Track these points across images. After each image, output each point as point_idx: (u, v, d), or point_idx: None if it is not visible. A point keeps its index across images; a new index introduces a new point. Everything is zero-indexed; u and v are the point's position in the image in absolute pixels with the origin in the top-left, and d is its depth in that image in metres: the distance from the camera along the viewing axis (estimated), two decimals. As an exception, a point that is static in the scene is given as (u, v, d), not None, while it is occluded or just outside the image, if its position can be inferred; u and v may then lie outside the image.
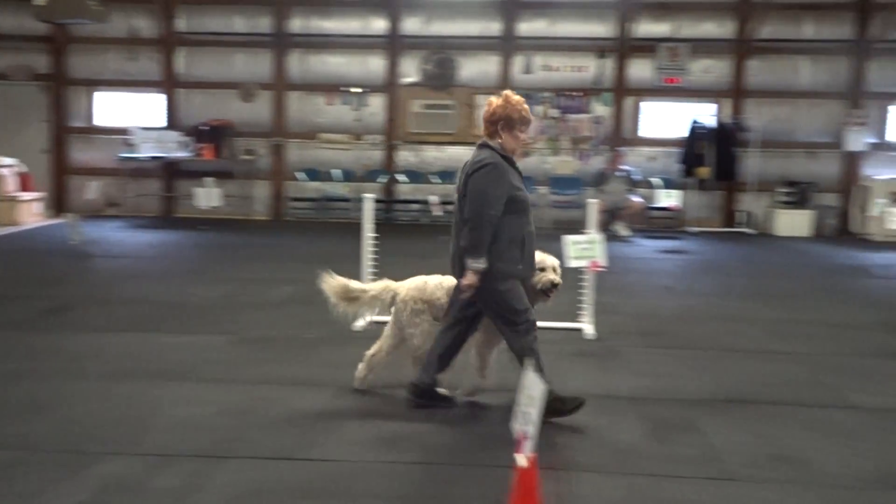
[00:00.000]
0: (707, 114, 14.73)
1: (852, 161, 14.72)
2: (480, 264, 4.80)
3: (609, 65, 14.86)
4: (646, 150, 15.07)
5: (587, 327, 7.18)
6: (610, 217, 13.68)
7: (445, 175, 15.01)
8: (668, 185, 14.34)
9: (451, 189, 15.59)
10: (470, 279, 4.83)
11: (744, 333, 7.38)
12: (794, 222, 14.37)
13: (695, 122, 14.39)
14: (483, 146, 4.96)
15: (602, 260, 6.80)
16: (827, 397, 5.63)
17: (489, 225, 4.76)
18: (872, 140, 14.67)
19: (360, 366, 5.51)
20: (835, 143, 14.74)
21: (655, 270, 10.68)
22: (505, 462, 4.06)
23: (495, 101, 4.97)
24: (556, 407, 4.88)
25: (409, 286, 5.45)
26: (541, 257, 5.20)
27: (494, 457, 4.39)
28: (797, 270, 10.86)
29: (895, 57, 14.53)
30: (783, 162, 14.96)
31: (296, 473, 4.20)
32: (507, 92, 5.04)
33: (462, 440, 4.70)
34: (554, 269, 5.20)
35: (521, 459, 3.04)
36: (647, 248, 12.73)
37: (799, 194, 14.45)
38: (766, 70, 14.84)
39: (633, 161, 14.78)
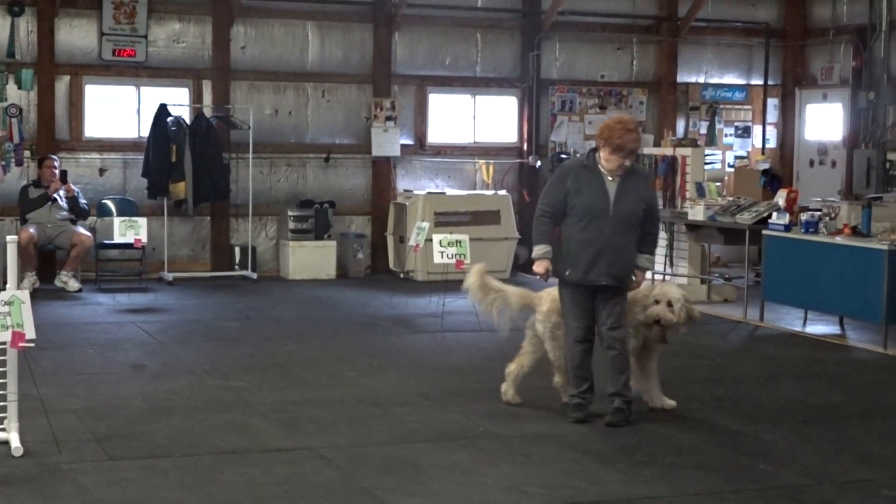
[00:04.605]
0: (180, 103, 15.13)
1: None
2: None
3: (26, 26, 14.64)
4: (93, 157, 15.04)
5: (13, 437, 7.01)
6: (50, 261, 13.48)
7: None
8: (129, 210, 14.46)
9: None
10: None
11: (247, 426, 7.69)
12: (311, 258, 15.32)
13: (164, 114, 14.68)
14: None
15: (28, 330, 6.69)
16: (366, 505, 6.08)
17: None
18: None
19: (504, 385, 8.23)
20: (363, 146, 16.02)
21: (116, 341, 10.78)
22: None
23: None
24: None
25: (551, 299, 8.04)
26: (659, 289, 8.04)
27: None
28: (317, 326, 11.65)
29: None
30: (292, 173, 15.88)
31: None
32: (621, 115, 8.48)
33: None
34: (669, 304, 7.85)
35: None
36: (103, 306, 12.75)
37: (317, 219, 15.33)
38: (259, 41, 15.67)
39: (77, 175, 14.66)
